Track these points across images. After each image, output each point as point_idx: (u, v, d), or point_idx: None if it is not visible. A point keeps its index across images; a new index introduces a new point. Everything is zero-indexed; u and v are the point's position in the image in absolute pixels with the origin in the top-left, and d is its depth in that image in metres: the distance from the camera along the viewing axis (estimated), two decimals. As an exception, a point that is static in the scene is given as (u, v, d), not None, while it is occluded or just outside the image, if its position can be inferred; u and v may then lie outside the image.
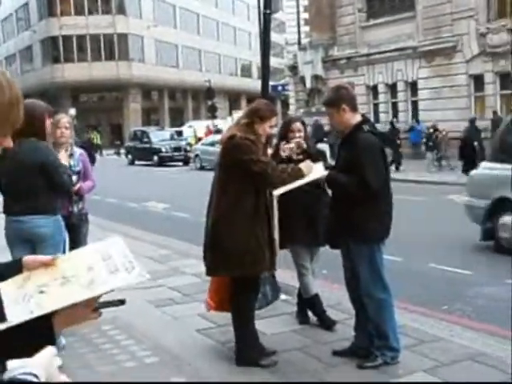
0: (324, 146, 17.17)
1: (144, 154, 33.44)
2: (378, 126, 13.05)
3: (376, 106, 30.39)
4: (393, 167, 21.25)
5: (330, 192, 5.09)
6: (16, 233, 4.85)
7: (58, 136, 5.48)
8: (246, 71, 75.26)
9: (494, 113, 22.96)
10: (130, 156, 35.38)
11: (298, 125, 5.58)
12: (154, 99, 62.18)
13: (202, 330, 5.59)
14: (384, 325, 4.68)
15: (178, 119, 60.30)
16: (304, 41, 35.67)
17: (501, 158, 9.15)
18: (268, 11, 7.65)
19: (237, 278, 4.76)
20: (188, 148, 33.39)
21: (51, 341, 1.37)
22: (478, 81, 25.72)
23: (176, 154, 32.92)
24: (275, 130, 5.51)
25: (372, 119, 21.84)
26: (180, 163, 32.23)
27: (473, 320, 6.05)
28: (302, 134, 5.55)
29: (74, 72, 55.38)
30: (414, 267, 8.29)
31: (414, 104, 28.56)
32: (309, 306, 5.73)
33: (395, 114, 28.61)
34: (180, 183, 22.84)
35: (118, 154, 42.56)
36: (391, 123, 25.13)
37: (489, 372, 4.48)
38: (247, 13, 71.78)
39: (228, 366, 4.77)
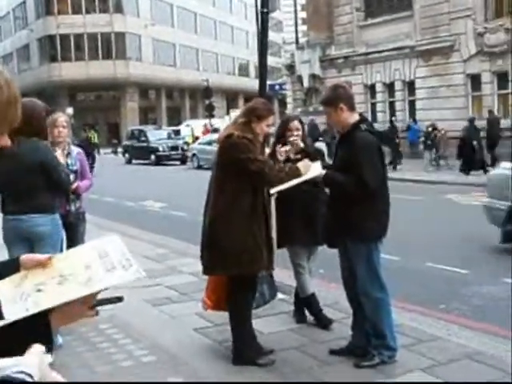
0: (321, 145, 17.21)
1: (141, 152, 33.43)
2: (376, 126, 13.07)
3: (373, 105, 30.40)
4: (390, 166, 21.24)
5: (327, 191, 5.10)
6: (15, 231, 4.85)
7: (56, 135, 5.48)
8: (243, 70, 75.24)
9: (490, 112, 22.89)
10: (127, 155, 35.40)
11: (295, 123, 5.58)
12: (151, 98, 62.16)
13: (200, 329, 5.58)
14: (381, 324, 4.68)
15: (175, 118, 60.26)
16: (301, 40, 35.67)
17: None
18: (265, 10, 7.65)
19: (234, 277, 4.76)
20: (185, 147, 33.38)
21: (48, 339, 1.37)
22: (476, 80, 25.73)
23: (173, 153, 32.91)
24: (273, 129, 5.51)
25: (370, 118, 21.92)
26: (177, 162, 32.22)
27: (470, 319, 6.05)
28: (300, 132, 5.54)
29: (71, 71, 55.33)
30: (412, 266, 8.29)
31: (412, 103, 28.58)
32: (306, 305, 5.73)
33: (393, 113, 28.62)
34: (177, 182, 22.83)
35: (116, 152, 42.52)
36: (391, 122, 25.12)
37: (486, 371, 4.48)
38: (245, 12, 71.72)
39: (225, 365, 4.77)
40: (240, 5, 72.83)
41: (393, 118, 26.14)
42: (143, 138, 33.95)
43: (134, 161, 34.12)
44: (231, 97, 70.21)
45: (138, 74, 56.93)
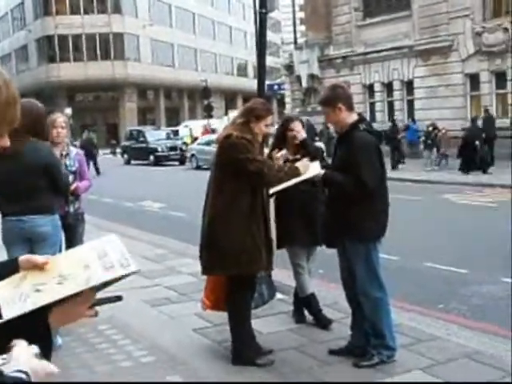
0: (320, 144, 17.17)
1: (140, 153, 33.42)
2: (375, 125, 13.06)
3: (372, 104, 30.40)
4: (389, 166, 21.23)
5: (326, 190, 5.10)
6: (16, 232, 4.85)
7: (54, 136, 5.48)
8: (241, 70, 75.25)
9: (486, 111, 22.78)
10: (125, 155, 35.37)
11: (296, 124, 5.57)
12: (149, 99, 62.13)
13: (199, 329, 5.58)
14: (380, 323, 4.68)
15: (173, 119, 60.27)
16: (300, 40, 35.66)
17: None
18: (263, 10, 7.64)
19: (233, 277, 4.76)
20: (184, 147, 33.40)
21: (48, 339, 1.37)
22: (474, 80, 25.74)
23: (172, 153, 32.90)
24: (272, 129, 5.50)
25: (368, 118, 21.91)
26: (176, 163, 32.21)
27: (469, 319, 6.05)
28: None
29: (69, 71, 55.31)
30: (411, 266, 8.30)
31: (410, 103, 28.58)
32: (305, 305, 5.74)
33: (392, 112, 28.60)
34: (176, 183, 22.82)
35: (114, 153, 42.49)
36: (392, 121, 25.08)
37: (485, 370, 4.48)
38: (243, 12, 71.74)
39: (224, 366, 4.77)
40: (238, 5, 72.86)
41: (395, 117, 26.11)
42: (142, 139, 33.94)
43: (132, 161, 34.10)
44: (230, 97, 70.22)
45: (137, 74, 56.92)
